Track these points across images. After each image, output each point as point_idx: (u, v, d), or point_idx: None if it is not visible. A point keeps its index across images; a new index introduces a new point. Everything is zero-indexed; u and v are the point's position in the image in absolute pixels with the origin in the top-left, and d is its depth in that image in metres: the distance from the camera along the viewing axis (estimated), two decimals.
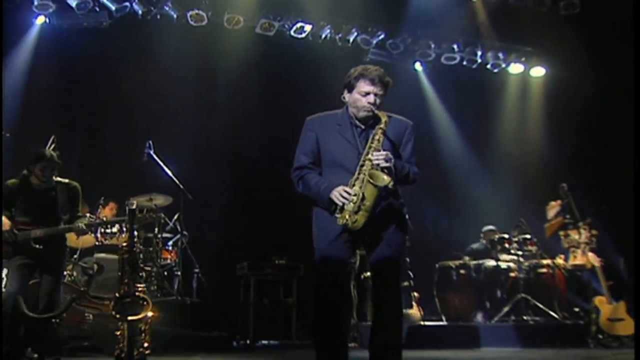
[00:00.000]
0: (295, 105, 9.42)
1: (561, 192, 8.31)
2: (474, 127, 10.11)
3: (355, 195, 3.69)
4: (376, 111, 3.85)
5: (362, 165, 3.77)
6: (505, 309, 7.89)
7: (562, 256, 8.37)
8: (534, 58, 10.27)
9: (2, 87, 6.34)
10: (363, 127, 3.94)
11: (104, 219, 6.94)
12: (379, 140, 3.80)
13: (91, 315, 6.08)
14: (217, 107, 9.17)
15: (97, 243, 7.08)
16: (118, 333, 4.52)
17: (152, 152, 7.69)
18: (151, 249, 7.64)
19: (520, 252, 8.10)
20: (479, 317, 8.08)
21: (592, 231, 8.13)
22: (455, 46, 9.95)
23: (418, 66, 10.30)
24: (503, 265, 8.19)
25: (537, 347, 7.19)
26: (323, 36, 9.37)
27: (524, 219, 8.36)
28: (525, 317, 7.83)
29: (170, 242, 7.99)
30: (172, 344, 6.24)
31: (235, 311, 7.71)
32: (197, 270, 8.11)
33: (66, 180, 5.57)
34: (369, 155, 3.77)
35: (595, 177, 9.22)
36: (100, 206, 7.19)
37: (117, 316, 4.44)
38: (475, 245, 9.01)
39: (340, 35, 9.42)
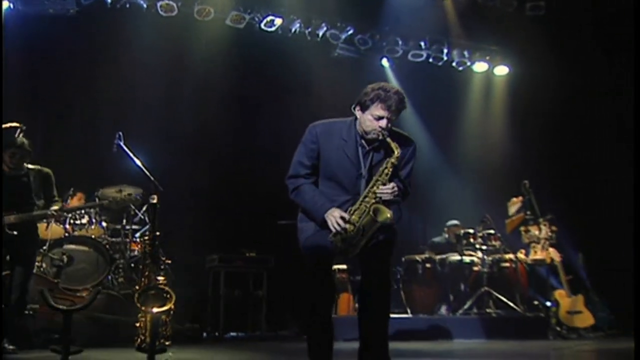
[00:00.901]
0: (265, 98, 9.45)
1: (523, 189, 8.52)
2: (438, 123, 10.22)
3: (353, 224, 3.66)
4: (388, 139, 3.74)
5: (366, 197, 3.70)
6: (469, 302, 8.09)
7: (523, 251, 8.60)
8: (498, 57, 10.43)
9: (1, 85, 6.21)
10: (368, 147, 3.84)
11: None
12: (387, 174, 3.72)
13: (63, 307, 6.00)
14: (186, 98, 9.09)
15: (66, 234, 7.01)
16: (138, 324, 4.56)
17: (122, 143, 7.58)
18: (119, 240, 7.60)
19: (484, 247, 8.29)
20: (443, 309, 8.27)
21: (552, 227, 8.39)
22: (422, 43, 10.08)
23: (385, 62, 10.36)
24: (467, 259, 8.37)
25: (500, 338, 7.41)
26: (293, 30, 9.38)
27: (487, 214, 8.57)
28: (488, 310, 8.04)
29: (138, 234, 7.93)
30: None
31: (205, 303, 7.73)
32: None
33: (38, 167, 5.57)
34: (374, 188, 3.70)
35: (557, 175, 9.47)
36: (70, 197, 7.10)
37: (142, 308, 4.51)
38: (437, 239, 9.20)
39: (309, 29, 9.44)
